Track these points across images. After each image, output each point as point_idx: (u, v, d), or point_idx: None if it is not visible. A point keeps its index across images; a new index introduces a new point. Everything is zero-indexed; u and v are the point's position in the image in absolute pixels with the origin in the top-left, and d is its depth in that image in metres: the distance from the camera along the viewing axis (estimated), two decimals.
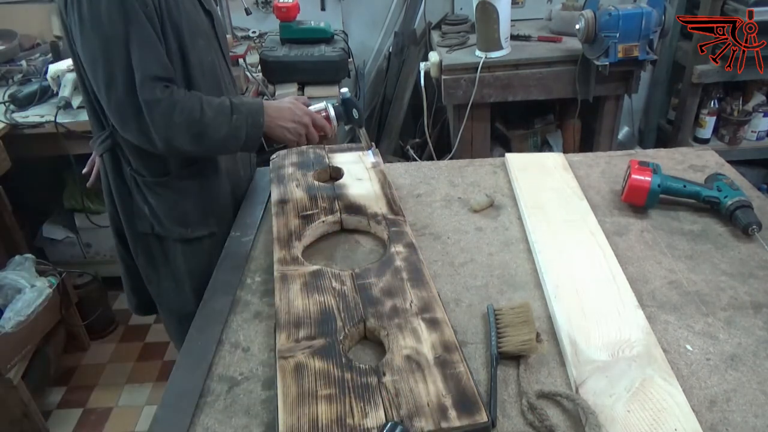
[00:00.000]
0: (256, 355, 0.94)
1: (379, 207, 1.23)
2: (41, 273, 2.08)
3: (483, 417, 0.76)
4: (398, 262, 1.07)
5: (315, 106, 1.27)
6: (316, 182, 1.35)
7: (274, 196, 1.30)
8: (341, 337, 0.90)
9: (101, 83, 1.10)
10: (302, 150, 1.48)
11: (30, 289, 1.95)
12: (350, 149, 1.49)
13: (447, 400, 0.78)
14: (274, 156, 1.45)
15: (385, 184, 1.32)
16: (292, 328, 0.92)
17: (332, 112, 1.27)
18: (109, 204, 1.36)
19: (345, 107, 1.27)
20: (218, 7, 2.23)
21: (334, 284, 1.01)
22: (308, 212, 1.22)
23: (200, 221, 1.34)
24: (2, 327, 1.81)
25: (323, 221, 1.20)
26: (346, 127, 1.46)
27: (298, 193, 1.29)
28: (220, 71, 1.29)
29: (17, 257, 2.04)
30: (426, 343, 0.88)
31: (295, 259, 1.09)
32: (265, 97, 1.40)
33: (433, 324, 0.92)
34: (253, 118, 1.18)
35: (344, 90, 1.28)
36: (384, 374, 0.83)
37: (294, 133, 1.23)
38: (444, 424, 0.75)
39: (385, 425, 0.74)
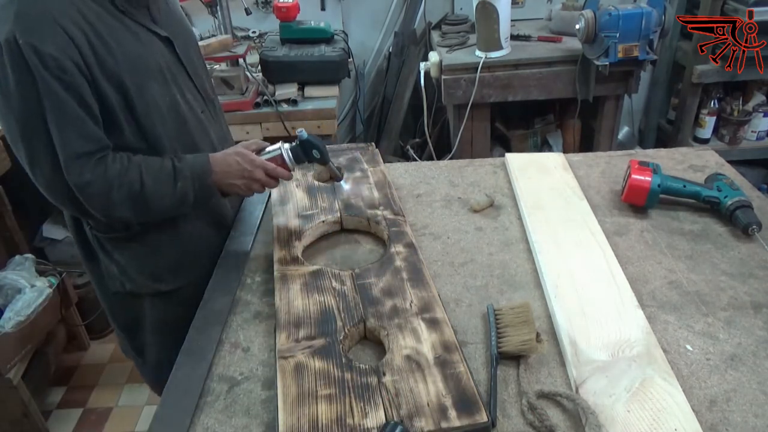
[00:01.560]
0: (256, 355, 0.94)
1: (379, 207, 1.24)
2: (41, 273, 2.07)
3: (483, 417, 0.76)
4: (398, 262, 1.07)
5: (268, 151, 1.15)
6: (315, 182, 1.35)
7: (274, 195, 1.30)
8: (341, 337, 0.90)
9: (25, 163, 1.02)
10: None
11: (30, 289, 1.95)
12: (350, 149, 1.49)
13: (447, 400, 0.79)
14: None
15: (385, 184, 1.32)
16: (292, 328, 0.92)
17: (288, 156, 1.14)
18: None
19: (303, 149, 1.14)
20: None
21: (334, 284, 1.01)
22: (308, 212, 1.22)
23: (174, 273, 1.23)
24: (2, 327, 1.81)
25: (323, 221, 1.20)
26: (312, 165, 1.31)
27: (298, 193, 1.29)
28: (186, 106, 1.15)
29: (17, 257, 2.04)
30: (426, 343, 0.88)
31: (295, 259, 1.09)
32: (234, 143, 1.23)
33: (433, 324, 0.92)
34: (199, 181, 1.08)
35: (300, 131, 1.15)
36: (384, 374, 0.83)
37: (245, 188, 1.12)
38: (444, 424, 0.75)
39: (385, 425, 0.74)
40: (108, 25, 1.01)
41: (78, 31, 0.96)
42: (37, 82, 0.94)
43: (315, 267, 1.07)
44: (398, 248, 1.11)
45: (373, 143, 1.52)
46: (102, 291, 1.28)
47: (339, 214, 1.22)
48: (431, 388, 0.81)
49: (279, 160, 1.13)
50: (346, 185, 1.32)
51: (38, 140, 0.99)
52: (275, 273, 1.06)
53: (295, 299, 0.98)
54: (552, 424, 0.78)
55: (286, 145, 1.14)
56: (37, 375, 2.02)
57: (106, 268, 1.22)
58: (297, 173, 1.35)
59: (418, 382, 0.82)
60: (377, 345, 0.94)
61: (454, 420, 0.76)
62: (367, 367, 0.85)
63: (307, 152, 1.15)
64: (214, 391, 0.88)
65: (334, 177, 1.25)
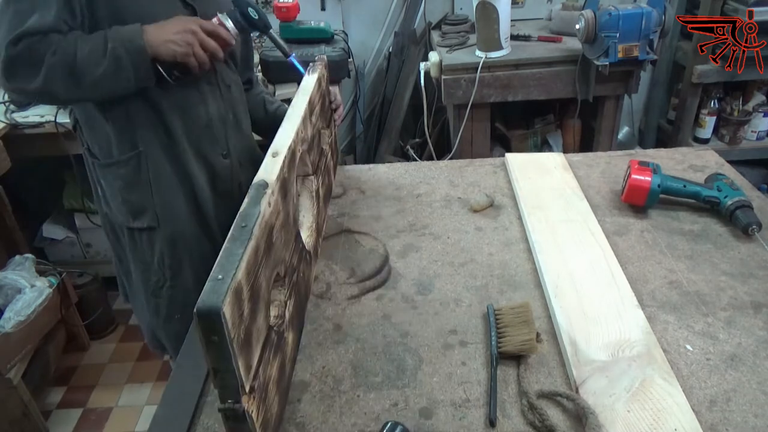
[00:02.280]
0: None
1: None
2: (41, 273, 2.08)
3: None
4: None
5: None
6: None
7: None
8: None
9: None
10: None
11: (30, 289, 1.95)
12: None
13: None
14: None
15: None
16: None
17: (225, 18, 1.14)
18: None
19: (238, 5, 1.15)
20: None
21: None
22: None
23: (139, 212, 1.25)
24: (2, 327, 1.81)
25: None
26: (256, 36, 1.31)
27: None
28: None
29: (17, 257, 2.04)
30: None
31: None
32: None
33: None
34: (131, 43, 1.04)
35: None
36: None
37: (182, 43, 1.07)
38: None
39: (385, 425, 0.74)
40: None
41: None
42: None
43: None
44: None
45: (291, 51, 1.35)
46: (98, 208, 1.34)
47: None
48: None
49: (215, 20, 1.14)
50: (295, 60, 1.26)
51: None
52: None
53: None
54: (552, 424, 0.78)
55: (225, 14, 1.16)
56: (37, 375, 2.03)
57: (95, 188, 1.30)
58: None
59: None
60: None
61: None
62: None
63: (244, 13, 1.16)
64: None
65: (282, 51, 1.25)
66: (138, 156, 1.20)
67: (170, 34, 1.06)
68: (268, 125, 1.44)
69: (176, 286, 1.30)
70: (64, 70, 1.02)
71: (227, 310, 0.60)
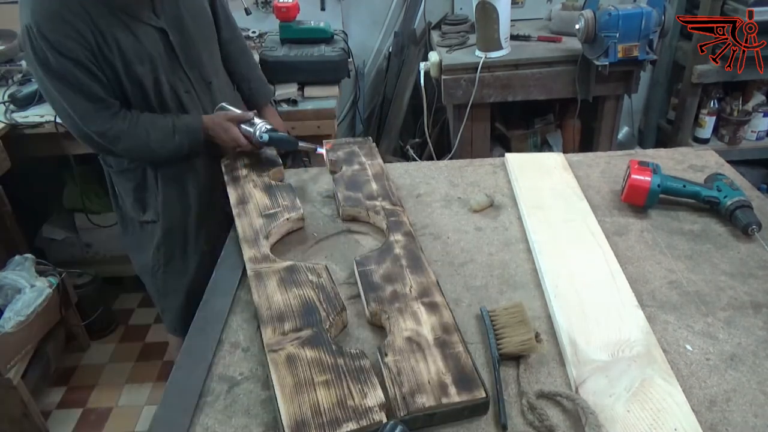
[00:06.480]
0: (256, 355, 0.94)
1: (378, 198, 1.26)
2: (41, 273, 2.07)
3: (482, 393, 0.80)
4: (397, 250, 1.09)
5: (246, 128, 1.40)
6: (272, 182, 1.34)
7: (233, 198, 1.29)
8: (327, 326, 0.92)
9: (64, 116, 1.35)
10: (253, 151, 1.46)
11: (30, 289, 1.95)
12: (348, 143, 1.49)
13: (447, 378, 0.82)
14: (224, 159, 1.44)
15: (383, 176, 1.33)
16: (276, 322, 0.94)
17: (258, 141, 1.39)
18: None
19: (271, 141, 1.39)
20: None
21: (310, 277, 1.03)
22: (270, 211, 1.22)
23: (146, 208, 1.52)
24: (2, 327, 1.81)
25: (287, 219, 1.21)
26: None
27: (256, 194, 1.29)
28: (167, 86, 1.38)
29: (17, 257, 2.04)
30: (425, 325, 0.91)
31: (266, 257, 1.09)
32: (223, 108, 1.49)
33: (432, 308, 0.95)
34: (191, 137, 1.39)
35: (263, 127, 1.40)
36: (386, 354, 0.86)
37: (228, 144, 1.41)
38: (445, 400, 0.79)
39: (385, 425, 0.74)
40: (108, 23, 1.25)
41: (85, 27, 1.22)
42: (49, 60, 1.21)
43: (288, 263, 1.07)
44: (397, 237, 1.13)
45: (370, 137, 1.53)
46: (115, 208, 1.58)
47: (302, 211, 1.24)
48: (432, 367, 0.84)
49: (252, 138, 1.39)
50: (322, 149, 1.42)
51: (62, 100, 1.29)
52: (249, 272, 1.06)
53: (273, 295, 0.99)
54: (552, 424, 0.78)
55: (260, 132, 1.38)
56: (37, 375, 2.02)
57: (118, 192, 1.54)
58: (252, 174, 1.38)
59: (419, 362, 0.85)
60: (378, 329, 0.97)
61: (454, 396, 0.79)
62: (357, 351, 0.87)
63: (273, 145, 1.41)
64: (213, 391, 0.88)
65: (310, 150, 1.43)
66: (144, 164, 1.46)
67: (218, 140, 1.41)
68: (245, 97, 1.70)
69: (168, 271, 1.57)
70: (141, 149, 1.37)
71: None
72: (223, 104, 1.46)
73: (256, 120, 1.41)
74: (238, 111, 1.44)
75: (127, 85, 1.32)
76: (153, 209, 1.51)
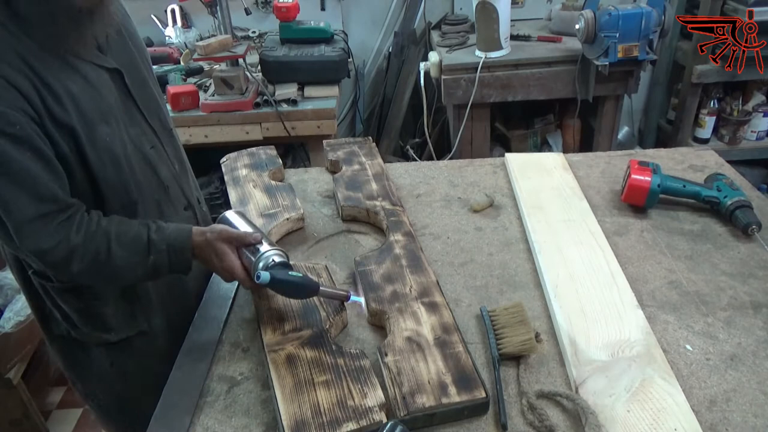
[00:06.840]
0: (256, 355, 0.94)
1: (378, 198, 1.26)
2: None
3: (481, 393, 0.80)
4: (397, 250, 1.10)
5: (248, 255, 0.97)
6: (273, 182, 1.34)
7: (233, 198, 1.29)
8: (327, 326, 0.92)
9: None
10: (252, 152, 1.47)
11: None
12: (348, 143, 1.49)
13: (447, 378, 0.82)
14: (224, 159, 1.42)
15: (383, 176, 1.34)
16: (276, 322, 0.94)
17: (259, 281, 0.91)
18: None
19: (273, 285, 0.91)
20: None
21: (310, 277, 1.01)
22: (270, 211, 1.23)
23: (125, 323, 1.12)
24: (2, 327, 1.81)
25: (287, 219, 1.21)
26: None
27: (256, 194, 1.29)
28: (131, 145, 1.02)
29: None
30: (426, 325, 0.92)
31: None
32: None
33: (432, 307, 0.95)
34: (176, 257, 0.98)
35: (261, 272, 0.89)
36: (386, 354, 0.86)
37: (223, 275, 1.00)
38: (444, 400, 0.79)
39: (385, 425, 0.74)
40: (52, 69, 0.90)
41: (23, 79, 0.85)
42: None
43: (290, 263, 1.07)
44: (397, 237, 1.14)
45: (370, 137, 1.53)
46: (47, 332, 1.15)
47: (302, 211, 1.24)
48: (432, 367, 0.84)
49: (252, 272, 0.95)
50: (359, 298, 1.01)
51: None
52: None
53: (273, 295, 0.99)
54: (552, 424, 0.78)
55: (262, 265, 0.94)
56: (37, 375, 2.02)
57: (50, 312, 1.11)
58: (252, 174, 1.35)
59: (419, 362, 0.85)
60: (378, 329, 0.97)
61: (454, 396, 0.80)
62: (357, 351, 0.88)
63: (277, 292, 0.96)
64: (214, 391, 0.88)
65: (339, 298, 0.98)
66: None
67: (212, 267, 1.00)
68: None
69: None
70: (98, 271, 0.95)
71: None
72: (227, 214, 1.05)
73: (264, 246, 0.96)
74: (245, 226, 1.02)
75: (93, 159, 0.94)
76: (135, 318, 1.12)
